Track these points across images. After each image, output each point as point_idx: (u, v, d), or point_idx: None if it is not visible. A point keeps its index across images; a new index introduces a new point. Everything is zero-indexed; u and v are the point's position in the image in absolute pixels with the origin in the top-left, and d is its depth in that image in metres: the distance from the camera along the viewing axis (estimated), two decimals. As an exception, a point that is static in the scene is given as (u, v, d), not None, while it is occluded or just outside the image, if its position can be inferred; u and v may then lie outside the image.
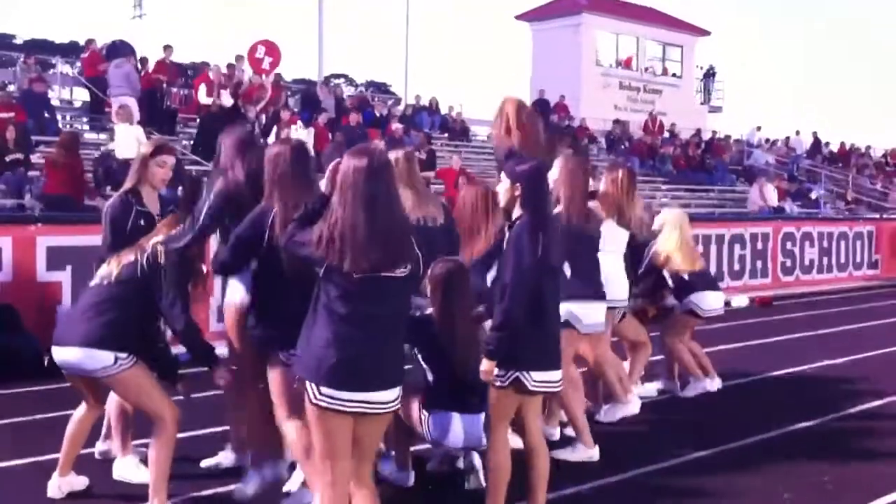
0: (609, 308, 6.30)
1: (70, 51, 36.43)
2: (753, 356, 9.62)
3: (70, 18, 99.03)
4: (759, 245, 15.81)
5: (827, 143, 32.55)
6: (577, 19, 33.49)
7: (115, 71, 15.96)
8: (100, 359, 4.42)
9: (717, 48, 79.83)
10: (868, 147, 33.79)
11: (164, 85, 18.09)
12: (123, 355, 4.45)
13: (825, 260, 17.33)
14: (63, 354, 4.51)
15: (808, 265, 16.95)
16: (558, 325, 4.67)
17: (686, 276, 7.41)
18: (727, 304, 13.88)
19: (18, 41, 50.91)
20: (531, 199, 4.44)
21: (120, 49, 17.30)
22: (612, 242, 6.32)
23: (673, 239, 7.36)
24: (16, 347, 7.65)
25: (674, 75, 36.98)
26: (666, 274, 7.43)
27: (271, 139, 14.16)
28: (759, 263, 15.77)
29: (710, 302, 7.53)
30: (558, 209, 5.56)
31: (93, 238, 7.88)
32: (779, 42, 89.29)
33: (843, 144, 32.78)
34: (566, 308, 5.19)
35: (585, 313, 5.74)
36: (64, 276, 8.18)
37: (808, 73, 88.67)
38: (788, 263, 16.49)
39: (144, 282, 4.50)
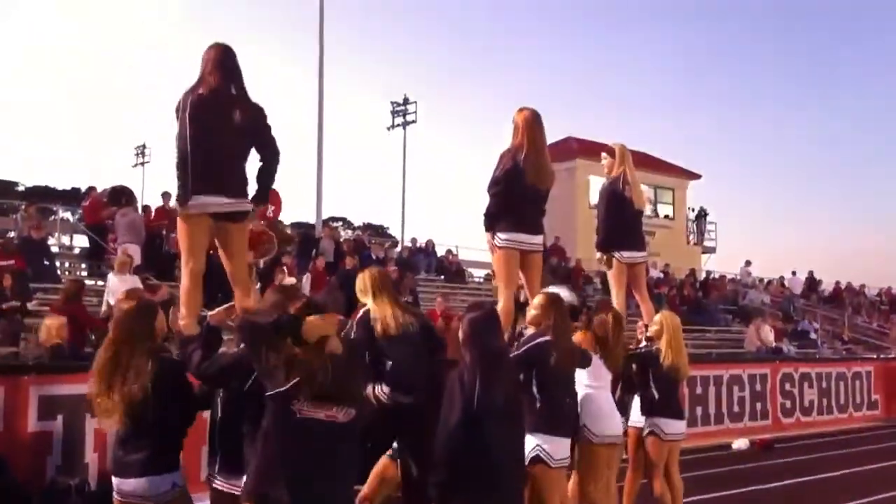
0: (609, 445, 6.34)
1: (71, 197, 37.05)
2: (756, 502, 9.43)
3: (73, 166, 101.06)
4: (758, 386, 15.72)
5: (819, 281, 32.77)
6: (571, 164, 34.24)
7: (121, 220, 16.15)
8: (159, 483, 4.65)
9: (709, 190, 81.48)
10: (862, 286, 34.01)
11: (164, 231, 18.32)
12: (180, 482, 4.73)
13: (824, 401, 17.20)
14: (126, 486, 4.69)
15: (808, 406, 16.81)
16: (509, 466, 4.65)
17: (657, 396, 7.38)
18: (728, 447, 13.91)
19: (21, 188, 51.91)
20: (473, 344, 4.58)
21: (121, 196, 17.55)
22: (599, 378, 6.42)
23: (666, 337, 7.38)
24: (3, 501, 7.48)
25: (666, 217, 37.57)
26: (651, 379, 7.42)
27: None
28: (758, 405, 15.64)
29: (672, 428, 7.46)
30: (543, 338, 5.75)
31: (85, 387, 7.93)
32: (769, 183, 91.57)
33: (837, 283, 32.99)
34: (535, 442, 5.44)
35: (554, 449, 5.74)
36: (55, 426, 8.07)
37: (799, 213, 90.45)
38: (788, 405, 16.35)
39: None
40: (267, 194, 5.87)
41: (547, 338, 5.81)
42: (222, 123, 5.49)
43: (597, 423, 6.34)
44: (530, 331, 6.07)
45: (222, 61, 5.64)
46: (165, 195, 19.06)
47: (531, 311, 6.09)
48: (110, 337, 4.79)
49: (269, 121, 5.80)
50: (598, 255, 8.07)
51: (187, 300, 5.59)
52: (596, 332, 6.50)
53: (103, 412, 4.68)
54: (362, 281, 6.23)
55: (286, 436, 3.82)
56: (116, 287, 12.50)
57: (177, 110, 5.53)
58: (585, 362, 6.27)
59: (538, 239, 6.79)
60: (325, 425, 3.83)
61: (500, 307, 6.42)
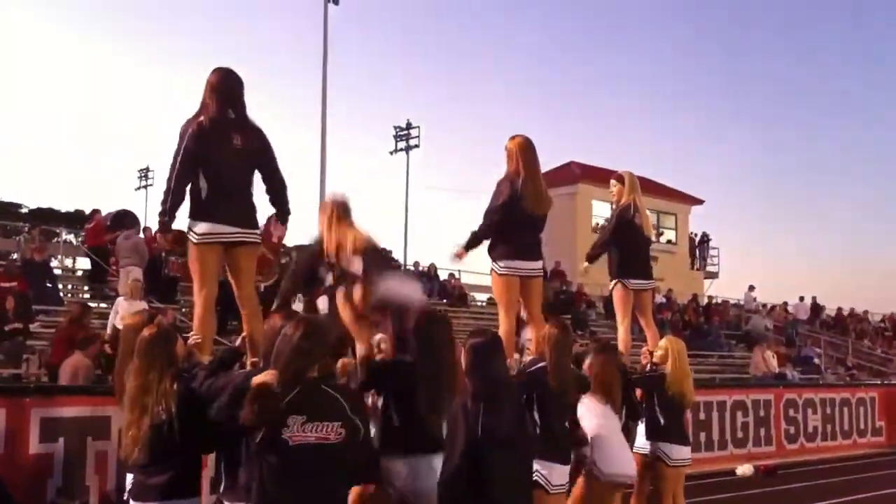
0: (615, 484, 6.31)
1: (75, 220, 37.11)
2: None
3: (76, 188, 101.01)
4: (762, 412, 15.63)
5: (823, 307, 32.66)
6: (573, 188, 34.32)
7: (124, 242, 16.06)
8: None
9: (712, 215, 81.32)
10: (866, 312, 33.91)
11: (164, 254, 18.27)
12: None
13: (829, 427, 17.09)
14: None
15: (812, 432, 16.70)
16: (514, 493, 4.61)
17: (663, 421, 7.33)
18: (732, 473, 13.82)
19: (24, 210, 51.99)
20: (475, 372, 4.58)
21: (124, 219, 17.55)
22: (609, 418, 6.37)
23: (671, 362, 7.35)
24: (2, 523, 7.44)
25: (669, 242, 37.55)
26: (656, 403, 7.37)
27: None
28: (762, 431, 15.54)
29: (678, 454, 7.39)
30: (543, 364, 5.76)
31: (87, 409, 7.92)
32: (771, 208, 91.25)
33: (840, 310, 32.89)
34: (534, 468, 5.37)
35: (552, 474, 5.73)
36: (56, 449, 8.02)
37: (801, 237, 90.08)
38: (792, 431, 16.24)
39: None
40: (287, 214, 5.97)
41: (545, 363, 5.81)
42: (222, 151, 5.62)
43: (606, 462, 6.30)
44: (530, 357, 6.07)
45: (221, 86, 5.73)
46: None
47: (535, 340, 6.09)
48: (136, 364, 4.74)
49: (272, 146, 5.88)
50: (583, 265, 8.10)
51: (201, 326, 5.64)
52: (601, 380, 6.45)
53: (133, 441, 4.59)
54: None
55: (279, 467, 3.82)
56: (126, 312, 12.49)
57: (180, 136, 5.61)
58: (585, 387, 6.25)
59: (537, 264, 6.85)
60: (316, 448, 3.84)
61: (501, 332, 6.42)
